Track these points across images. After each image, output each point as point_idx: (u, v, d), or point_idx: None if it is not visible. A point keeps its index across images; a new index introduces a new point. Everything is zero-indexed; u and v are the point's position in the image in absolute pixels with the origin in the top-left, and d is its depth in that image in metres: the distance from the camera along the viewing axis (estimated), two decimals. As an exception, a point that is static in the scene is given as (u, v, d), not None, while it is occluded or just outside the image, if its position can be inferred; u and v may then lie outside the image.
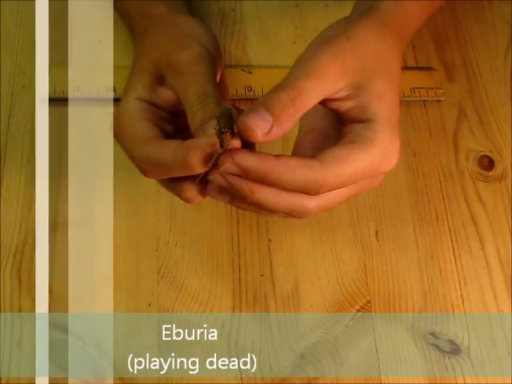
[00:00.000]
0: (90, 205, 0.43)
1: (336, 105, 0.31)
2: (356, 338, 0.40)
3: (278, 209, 0.30)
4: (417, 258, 0.43)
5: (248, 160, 0.28)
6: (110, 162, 0.45)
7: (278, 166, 0.28)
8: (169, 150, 0.29)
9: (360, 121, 0.31)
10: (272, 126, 0.28)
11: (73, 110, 0.46)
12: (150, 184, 0.44)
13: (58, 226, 0.42)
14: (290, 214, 0.31)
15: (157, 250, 0.42)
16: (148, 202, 0.44)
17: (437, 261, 0.43)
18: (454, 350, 0.40)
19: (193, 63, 0.33)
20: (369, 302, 0.41)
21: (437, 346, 0.40)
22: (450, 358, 0.40)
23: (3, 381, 0.38)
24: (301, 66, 0.30)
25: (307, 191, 0.29)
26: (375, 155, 0.30)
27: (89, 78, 0.46)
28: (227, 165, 0.28)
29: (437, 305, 0.42)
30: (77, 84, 0.46)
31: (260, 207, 0.30)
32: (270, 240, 0.43)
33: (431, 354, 0.40)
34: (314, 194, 0.29)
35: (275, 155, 0.29)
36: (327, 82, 0.30)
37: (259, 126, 0.28)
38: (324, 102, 0.31)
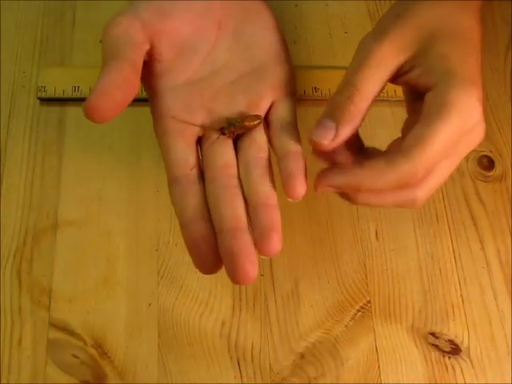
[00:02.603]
0: (90, 205, 0.43)
1: (405, 79, 0.31)
2: (356, 337, 0.40)
3: (386, 205, 0.30)
4: (417, 258, 0.43)
5: (335, 180, 0.29)
6: (110, 162, 0.45)
7: (365, 174, 0.28)
8: None
9: (431, 87, 0.30)
10: (337, 130, 0.29)
11: (73, 110, 0.46)
12: (150, 184, 0.44)
13: (58, 226, 0.42)
14: (400, 206, 0.31)
15: (157, 250, 0.42)
16: (148, 203, 0.44)
17: (437, 261, 0.43)
18: (454, 350, 0.40)
19: None
20: (369, 302, 0.41)
21: (437, 346, 0.40)
22: (449, 358, 0.40)
23: (3, 381, 0.38)
24: (352, 63, 0.30)
25: (404, 186, 0.29)
26: (454, 119, 0.28)
27: (89, 77, 0.46)
28: (323, 187, 0.29)
29: (437, 305, 0.42)
30: (77, 84, 0.46)
31: (364, 202, 0.31)
32: (270, 240, 0.43)
33: (431, 354, 0.40)
34: (414, 185, 0.29)
35: (359, 163, 0.29)
36: (381, 67, 0.30)
37: (323, 137, 0.29)
38: (394, 81, 0.31)
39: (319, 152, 0.30)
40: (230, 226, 0.28)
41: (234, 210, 0.29)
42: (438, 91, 0.29)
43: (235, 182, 0.30)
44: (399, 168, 0.28)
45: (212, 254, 0.29)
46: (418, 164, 0.28)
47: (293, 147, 0.31)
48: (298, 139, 0.31)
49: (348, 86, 0.30)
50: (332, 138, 0.29)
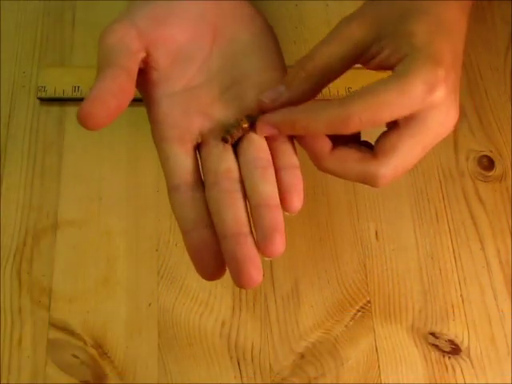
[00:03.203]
0: (90, 205, 0.43)
1: (377, 62, 0.31)
2: (356, 337, 0.40)
3: (348, 175, 0.30)
4: (417, 258, 0.43)
5: (273, 118, 0.30)
6: (110, 161, 0.45)
7: (300, 112, 0.30)
8: None
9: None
10: (282, 93, 0.31)
11: (73, 110, 0.46)
12: (150, 184, 0.44)
13: (58, 226, 0.42)
14: (363, 181, 0.31)
15: (157, 250, 0.42)
16: (148, 203, 0.44)
17: (437, 261, 0.43)
18: (454, 350, 0.40)
19: None
20: (369, 302, 0.41)
21: (437, 346, 0.40)
22: (449, 358, 0.40)
23: (3, 381, 0.38)
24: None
25: (336, 130, 0.29)
26: (412, 86, 0.28)
27: (89, 77, 0.46)
28: (264, 127, 0.31)
29: (437, 305, 0.42)
30: (77, 84, 0.46)
31: (332, 174, 0.31)
32: (269, 240, 0.43)
33: (431, 354, 0.40)
34: (374, 160, 0.30)
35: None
36: (343, 44, 0.30)
37: (266, 96, 0.31)
38: (367, 64, 0.31)
39: (299, 139, 0.31)
40: (233, 232, 0.28)
41: (236, 215, 0.29)
42: (401, 64, 0.29)
43: (236, 186, 0.30)
44: (332, 109, 0.28)
45: (214, 260, 0.28)
46: (350, 109, 0.28)
47: (289, 160, 0.31)
48: (295, 151, 0.32)
49: (305, 57, 0.31)
50: (274, 98, 0.31)
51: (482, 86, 0.49)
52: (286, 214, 0.29)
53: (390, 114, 0.28)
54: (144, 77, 0.32)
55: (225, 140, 0.31)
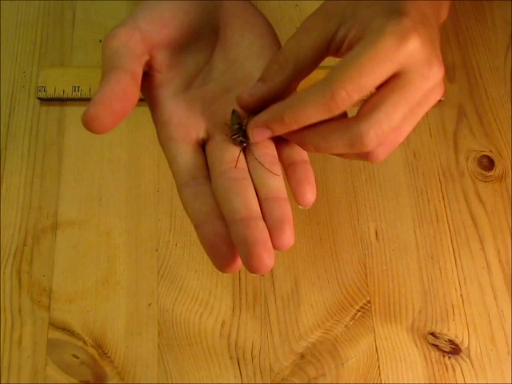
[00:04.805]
0: (90, 205, 0.43)
1: (347, 44, 0.30)
2: (356, 338, 0.40)
3: (334, 147, 0.30)
4: (417, 257, 0.43)
5: (262, 118, 0.30)
6: (110, 161, 0.45)
7: (285, 105, 0.29)
8: None
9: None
10: (260, 86, 0.31)
11: (73, 110, 0.46)
12: (150, 184, 0.44)
13: (58, 226, 0.42)
14: (351, 148, 0.29)
15: (157, 250, 0.42)
16: (148, 203, 0.44)
17: (437, 261, 0.43)
18: (454, 349, 0.40)
19: None
20: (369, 302, 0.41)
21: (437, 346, 0.40)
22: (450, 358, 0.40)
23: (3, 381, 0.38)
24: None
25: (326, 112, 0.28)
26: (383, 42, 0.27)
27: (89, 77, 0.46)
28: (257, 130, 0.30)
29: (437, 305, 0.42)
30: (77, 84, 0.46)
31: (319, 151, 0.30)
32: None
33: (431, 354, 0.40)
34: (356, 120, 0.29)
35: None
36: (309, 35, 0.31)
37: (245, 92, 0.31)
38: (338, 53, 0.31)
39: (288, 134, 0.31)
40: (243, 216, 0.28)
41: (245, 201, 0.29)
42: (367, 31, 0.28)
43: (245, 174, 0.30)
44: (315, 92, 0.28)
45: (230, 250, 0.28)
46: (333, 86, 0.28)
47: (298, 156, 0.31)
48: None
49: (277, 53, 0.32)
50: (252, 93, 0.31)
51: (482, 86, 0.49)
52: (300, 207, 0.29)
53: (372, 78, 0.28)
54: (148, 79, 0.32)
55: (238, 142, 0.31)
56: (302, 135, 0.30)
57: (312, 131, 0.30)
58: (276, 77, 0.31)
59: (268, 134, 0.30)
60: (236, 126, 0.31)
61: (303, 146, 0.31)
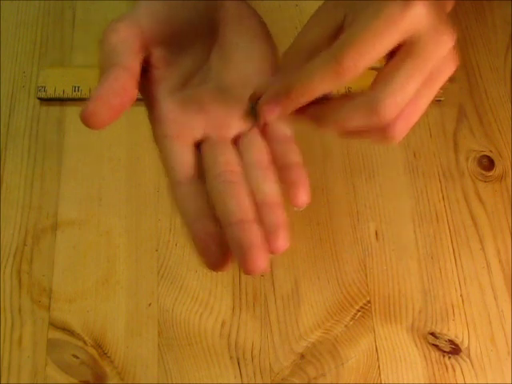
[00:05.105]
0: (90, 205, 0.43)
1: None
2: (356, 338, 0.40)
3: (351, 119, 0.29)
4: (417, 257, 0.43)
5: (270, 93, 0.30)
6: (110, 161, 0.45)
7: (292, 77, 0.29)
8: None
9: None
10: (276, 79, 0.30)
11: (73, 110, 0.46)
12: (150, 184, 0.44)
13: (58, 226, 0.42)
14: (368, 119, 0.29)
15: (157, 250, 0.42)
16: (148, 203, 0.44)
17: (437, 261, 0.43)
18: (454, 349, 0.40)
19: None
20: (369, 302, 0.41)
21: (437, 346, 0.40)
22: (450, 358, 0.40)
23: (3, 381, 0.38)
24: None
25: (333, 80, 0.28)
26: (386, 7, 0.27)
27: (89, 78, 0.46)
28: (268, 108, 0.30)
29: (437, 305, 0.42)
30: (77, 84, 0.46)
31: (337, 128, 0.30)
32: (270, 240, 0.43)
33: (431, 354, 0.40)
34: (372, 90, 0.29)
35: None
36: (319, 23, 0.31)
37: (259, 86, 0.31)
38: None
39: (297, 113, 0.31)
40: (238, 219, 0.28)
41: (240, 203, 0.29)
42: (371, 4, 0.29)
43: (239, 178, 0.30)
44: (321, 61, 0.28)
45: (219, 249, 0.29)
46: (339, 54, 0.28)
47: (292, 158, 0.31)
48: (296, 149, 0.32)
49: (292, 42, 0.32)
50: (267, 85, 0.31)
51: (482, 86, 0.49)
52: (295, 209, 0.29)
53: (378, 45, 0.28)
54: (145, 76, 0.32)
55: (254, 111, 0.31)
56: (316, 110, 0.30)
57: (326, 105, 0.30)
58: (291, 66, 0.31)
59: (278, 110, 0.30)
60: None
61: (319, 122, 0.31)
